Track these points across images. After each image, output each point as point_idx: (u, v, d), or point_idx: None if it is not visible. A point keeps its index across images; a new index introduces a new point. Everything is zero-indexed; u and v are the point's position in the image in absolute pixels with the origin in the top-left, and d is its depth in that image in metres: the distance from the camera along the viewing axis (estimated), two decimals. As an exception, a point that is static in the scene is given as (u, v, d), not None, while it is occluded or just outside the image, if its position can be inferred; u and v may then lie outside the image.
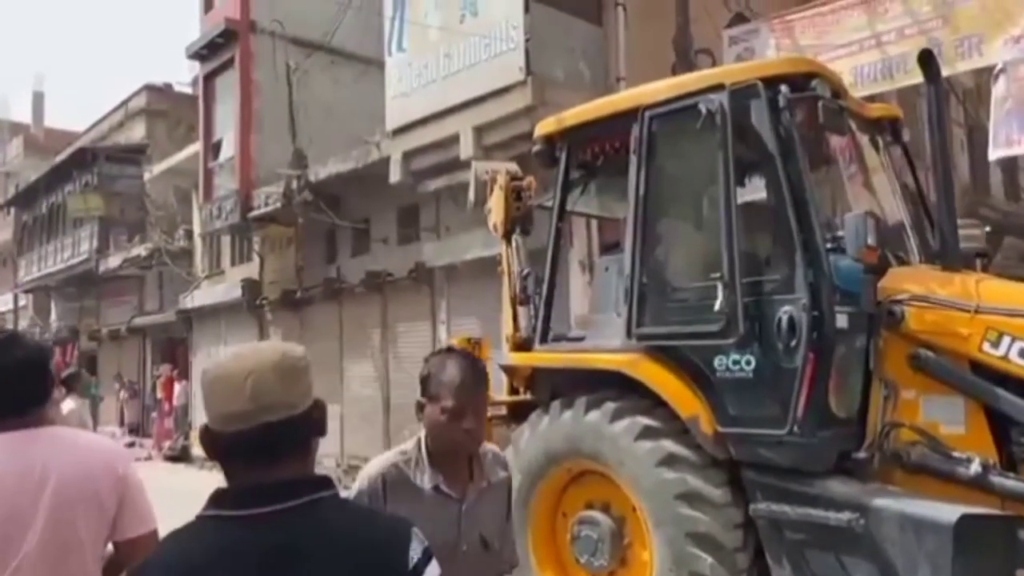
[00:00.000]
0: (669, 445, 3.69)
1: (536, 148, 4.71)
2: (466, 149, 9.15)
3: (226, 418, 1.25)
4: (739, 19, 9.59)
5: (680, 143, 3.96)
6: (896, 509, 3.19)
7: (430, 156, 9.94)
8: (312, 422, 1.31)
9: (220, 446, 1.27)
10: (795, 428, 3.36)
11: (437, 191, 10.31)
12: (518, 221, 5.09)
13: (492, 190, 5.18)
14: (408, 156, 10.16)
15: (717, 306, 3.49)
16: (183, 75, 19.16)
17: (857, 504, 3.25)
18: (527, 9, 8.69)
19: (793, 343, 3.39)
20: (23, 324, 25.89)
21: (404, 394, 11.60)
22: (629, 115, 4.04)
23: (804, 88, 3.60)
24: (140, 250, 18.40)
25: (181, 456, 15.91)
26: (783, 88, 3.56)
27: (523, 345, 4.78)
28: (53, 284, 23.40)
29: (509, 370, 4.81)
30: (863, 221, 3.31)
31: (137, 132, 20.74)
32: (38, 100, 31.85)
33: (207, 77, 15.53)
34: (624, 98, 4.44)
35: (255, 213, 13.44)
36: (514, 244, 5.10)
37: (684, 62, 8.54)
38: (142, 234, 19.14)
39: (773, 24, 8.62)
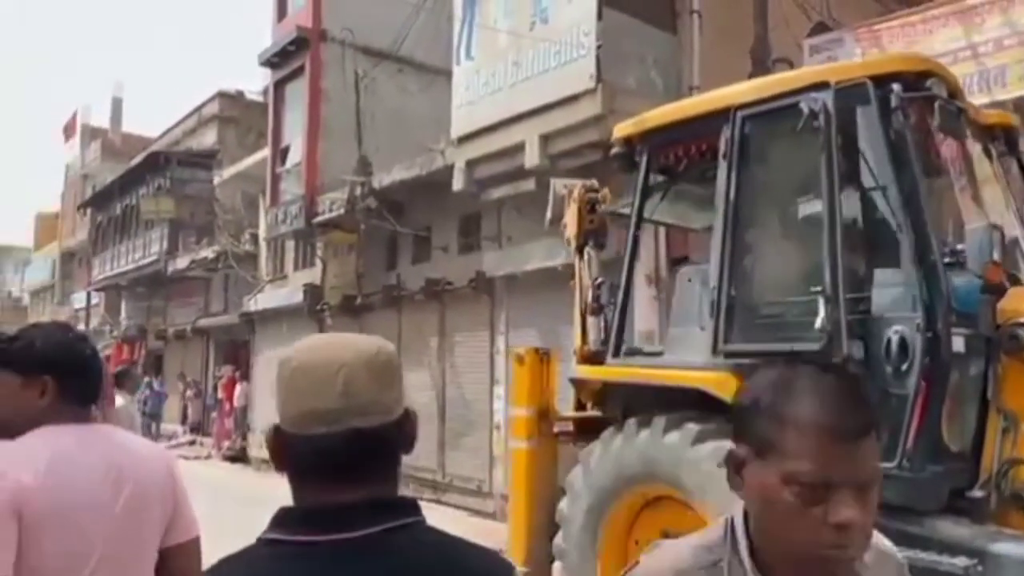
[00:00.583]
0: (757, 473, 3.39)
1: (614, 151, 4.50)
2: (531, 158, 8.99)
3: (308, 417, 1.03)
4: (820, 28, 9.20)
5: (776, 146, 3.71)
6: (1018, 555, 2.89)
7: (494, 164, 9.81)
8: (404, 435, 1.09)
9: (295, 451, 1.04)
10: (904, 461, 3.06)
11: (500, 200, 10.18)
12: (591, 234, 4.96)
13: (568, 205, 5.05)
14: (472, 164, 10.06)
15: (818, 323, 3.21)
16: (255, 83, 19.73)
17: (972, 548, 2.95)
18: (600, 16, 8.50)
19: (904, 367, 3.09)
20: (95, 322, 26.87)
21: (460, 404, 11.47)
22: (718, 116, 3.80)
23: (918, 88, 3.32)
24: (207, 252, 18.84)
25: (239, 456, 16.30)
26: (895, 87, 3.27)
27: (591, 358, 4.56)
28: (124, 283, 24.18)
29: (577, 384, 4.59)
30: (988, 234, 3.01)
31: (209, 138, 21.31)
32: (116, 106, 33.07)
33: (277, 84, 15.83)
34: (712, 98, 4.18)
35: (319, 219, 13.57)
36: (586, 257, 4.94)
37: (761, 72, 8.19)
38: (210, 237, 19.60)
39: (859, 33, 8.23)
